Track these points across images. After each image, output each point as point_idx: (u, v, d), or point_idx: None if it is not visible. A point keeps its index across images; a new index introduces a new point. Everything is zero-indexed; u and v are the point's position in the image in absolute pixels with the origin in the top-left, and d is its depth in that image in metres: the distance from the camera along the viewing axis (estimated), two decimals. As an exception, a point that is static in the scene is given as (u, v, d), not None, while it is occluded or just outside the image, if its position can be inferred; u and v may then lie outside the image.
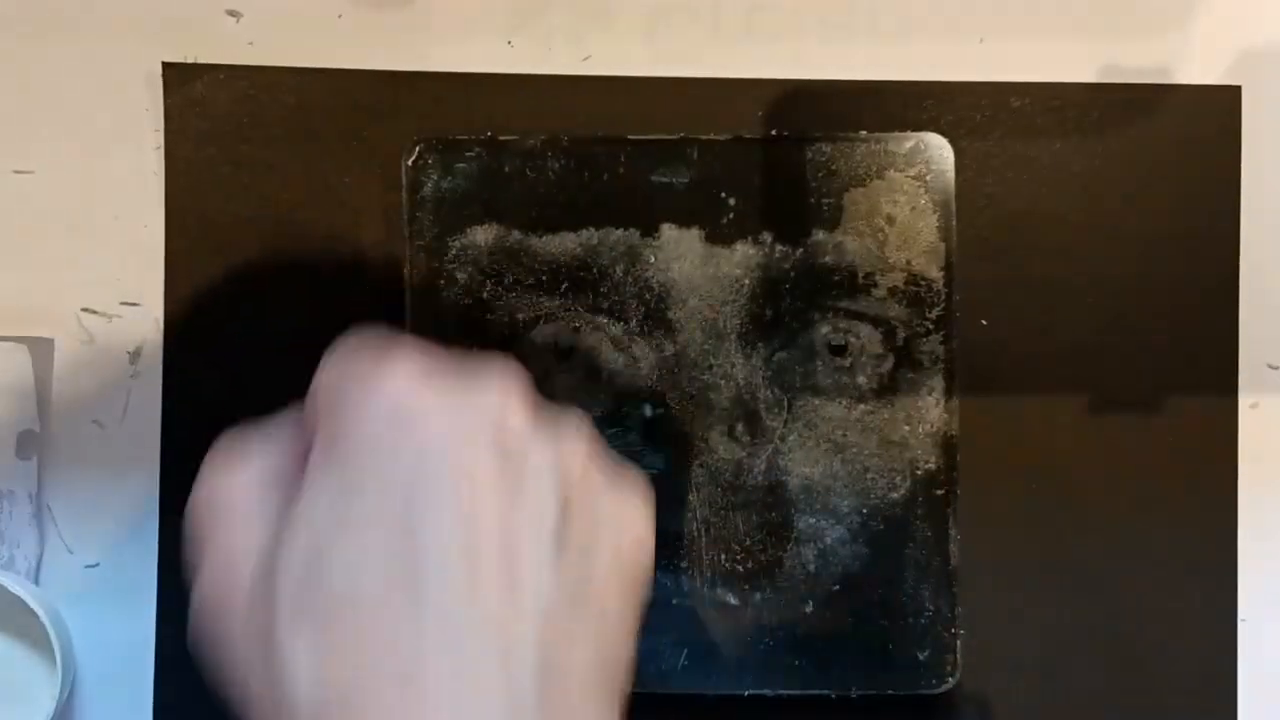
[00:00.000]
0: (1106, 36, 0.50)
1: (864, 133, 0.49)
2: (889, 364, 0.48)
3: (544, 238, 0.49)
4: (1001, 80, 0.50)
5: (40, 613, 0.47)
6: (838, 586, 0.48)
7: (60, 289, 0.50)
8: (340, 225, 0.50)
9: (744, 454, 0.48)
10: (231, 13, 0.50)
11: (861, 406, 0.49)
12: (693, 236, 0.48)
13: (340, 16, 0.50)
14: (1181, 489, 0.50)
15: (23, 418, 0.50)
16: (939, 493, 0.48)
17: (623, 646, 0.34)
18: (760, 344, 0.48)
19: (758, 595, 0.48)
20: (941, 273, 0.49)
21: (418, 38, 0.50)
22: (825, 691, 0.48)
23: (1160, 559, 0.50)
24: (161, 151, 0.50)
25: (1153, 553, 0.50)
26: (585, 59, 0.50)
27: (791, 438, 0.48)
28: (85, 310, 0.50)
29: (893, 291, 0.48)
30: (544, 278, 0.49)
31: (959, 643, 0.48)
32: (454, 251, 0.49)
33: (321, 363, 0.36)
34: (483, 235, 0.49)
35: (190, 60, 0.50)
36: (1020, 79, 0.50)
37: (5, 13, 0.50)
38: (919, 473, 0.48)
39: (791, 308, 0.48)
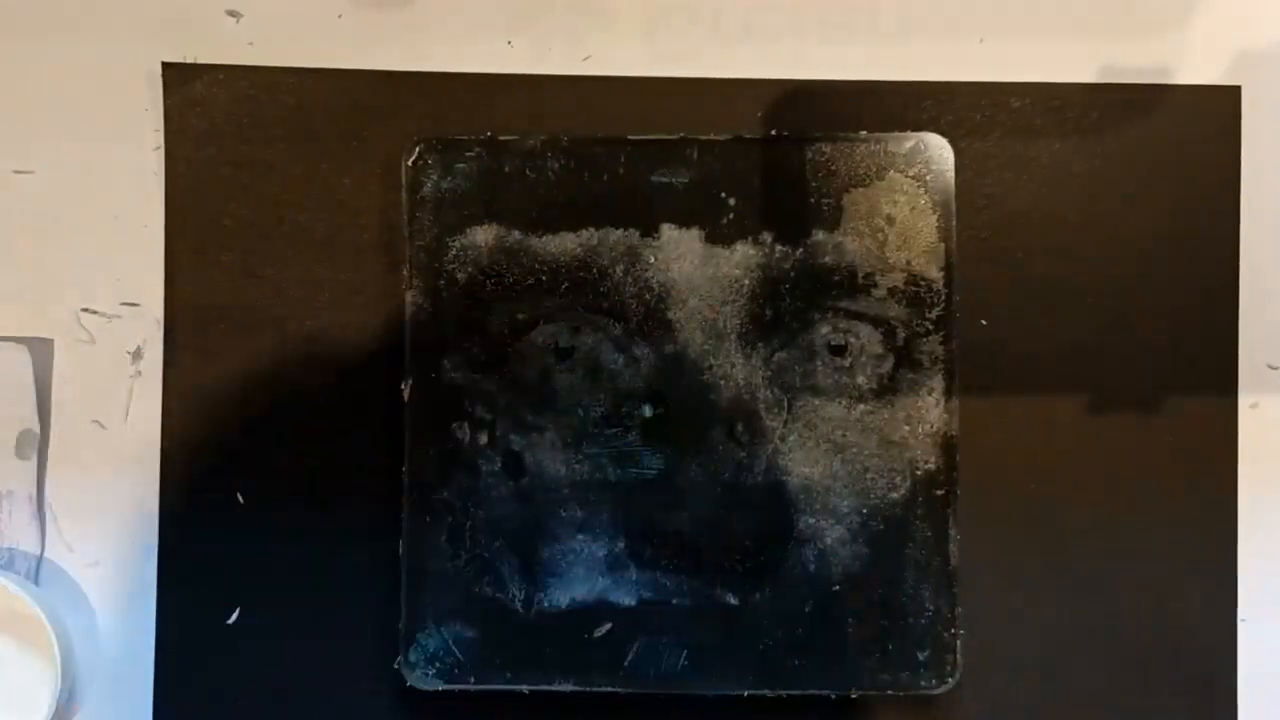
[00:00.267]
0: (1106, 36, 0.50)
1: (864, 133, 0.49)
2: (889, 364, 0.48)
3: (544, 238, 0.49)
4: (1001, 80, 0.50)
5: (40, 613, 0.47)
6: (837, 586, 0.48)
7: (60, 289, 0.50)
8: (340, 225, 0.50)
9: (744, 454, 0.48)
10: (231, 13, 0.50)
11: (861, 406, 0.49)
12: (693, 237, 0.48)
13: (340, 16, 0.50)
14: (1181, 489, 0.50)
15: (23, 418, 0.50)
16: (939, 493, 0.48)
17: None
18: (760, 344, 0.48)
19: (758, 595, 0.48)
20: (941, 273, 0.49)
21: (418, 38, 0.50)
22: (825, 691, 0.48)
23: (1160, 559, 0.50)
24: (161, 151, 0.50)
25: (1153, 553, 0.50)
26: (585, 59, 0.50)
27: (791, 438, 0.48)
28: (85, 310, 0.50)
29: (892, 292, 0.48)
30: (544, 278, 0.49)
31: (959, 643, 0.48)
32: (454, 251, 0.49)
33: None
34: (483, 235, 0.49)
35: (190, 60, 0.50)
36: (1020, 79, 0.50)
37: (5, 13, 0.50)
38: (919, 473, 0.48)
39: (791, 308, 0.48)
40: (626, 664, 0.48)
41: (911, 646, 0.48)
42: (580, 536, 0.49)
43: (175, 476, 0.50)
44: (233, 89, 0.50)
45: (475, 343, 0.49)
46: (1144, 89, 0.50)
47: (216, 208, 0.50)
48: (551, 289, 0.49)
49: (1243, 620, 0.50)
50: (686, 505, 0.48)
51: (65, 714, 0.50)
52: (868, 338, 0.48)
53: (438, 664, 0.48)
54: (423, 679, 0.48)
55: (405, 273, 0.49)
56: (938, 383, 0.48)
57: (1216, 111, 0.50)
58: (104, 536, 0.50)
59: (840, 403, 0.49)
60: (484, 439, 0.49)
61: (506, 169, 0.49)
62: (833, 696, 0.48)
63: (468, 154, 0.49)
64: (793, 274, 0.48)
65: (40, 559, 0.50)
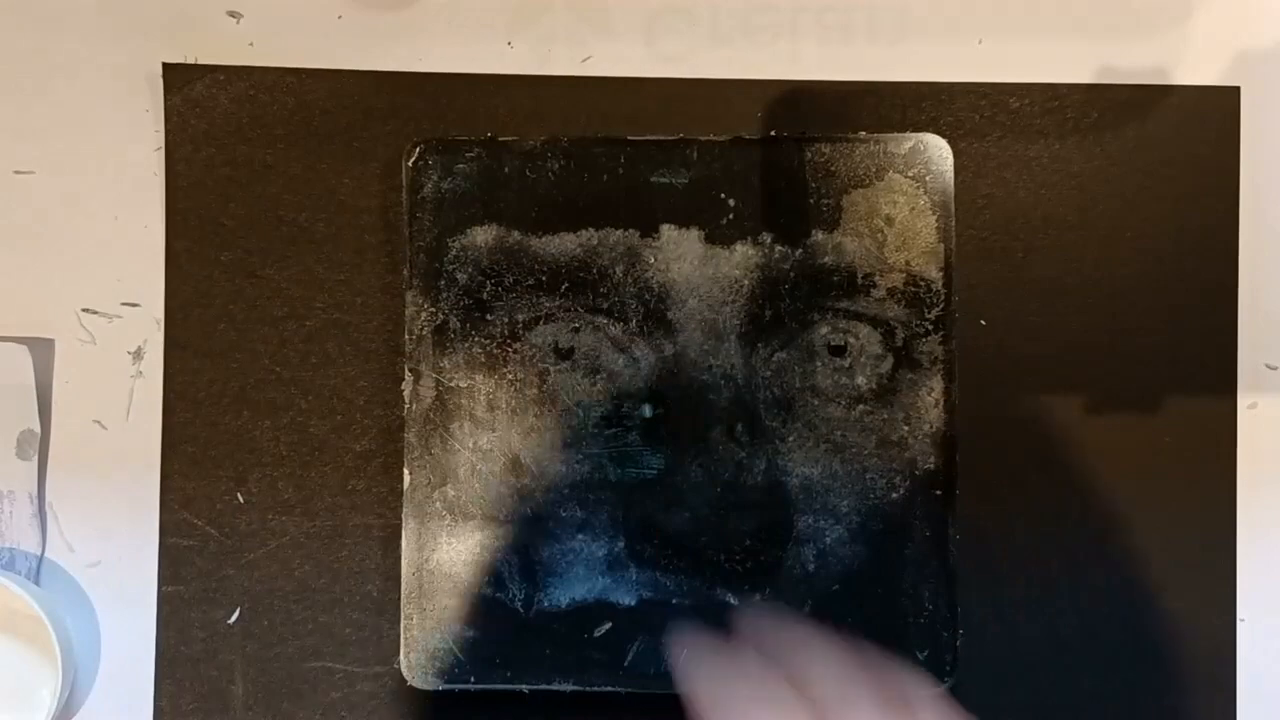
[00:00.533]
0: (1105, 37, 0.50)
1: (863, 133, 0.49)
2: (888, 364, 0.48)
3: (544, 238, 0.49)
4: (1000, 81, 0.50)
5: (41, 613, 0.47)
6: (837, 586, 0.48)
7: (60, 289, 0.50)
8: (340, 226, 0.50)
9: (744, 454, 0.48)
10: (232, 13, 0.50)
11: (861, 407, 0.49)
12: (692, 237, 0.48)
13: (340, 17, 0.50)
14: (1181, 489, 0.50)
15: (23, 418, 0.50)
16: (938, 493, 0.48)
17: None
18: (760, 344, 0.48)
19: (758, 595, 0.48)
20: (940, 273, 0.49)
21: (418, 38, 0.50)
22: (824, 691, 0.48)
23: (1160, 559, 0.50)
24: (161, 152, 0.50)
25: (1153, 553, 0.50)
26: (585, 60, 0.50)
27: (791, 438, 0.48)
28: (85, 310, 0.50)
29: (892, 292, 0.48)
30: (544, 278, 0.49)
31: (958, 642, 0.48)
32: (454, 252, 0.49)
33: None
34: (482, 236, 0.49)
35: (191, 61, 0.50)
36: (1019, 79, 0.50)
37: (5, 13, 0.50)
38: (918, 473, 0.48)
39: (791, 308, 0.48)
40: (626, 664, 0.48)
41: (911, 646, 0.48)
42: (580, 536, 0.49)
43: (175, 476, 0.50)
44: (233, 89, 0.50)
45: (475, 343, 0.49)
46: (1144, 89, 0.50)
47: (217, 208, 0.50)
48: (551, 289, 0.49)
49: (1242, 620, 0.50)
50: (686, 505, 0.48)
51: (65, 714, 0.50)
52: (867, 338, 0.48)
53: (438, 664, 0.48)
54: (423, 679, 0.48)
55: (405, 273, 0.49)
56: (937, 383, 0.49)
57: (1216, 111, 0.50)
58: (104, 536, 0.50)
59: (840, 403, 0.49)
60: (484, 439, 0.49)
61: (506, 169, 0.49)
62: (832, 696, 0.48)
63: (468, 154, 0.49)
64: (792, 274, 0.48)
65: (41, 559, 0.50)
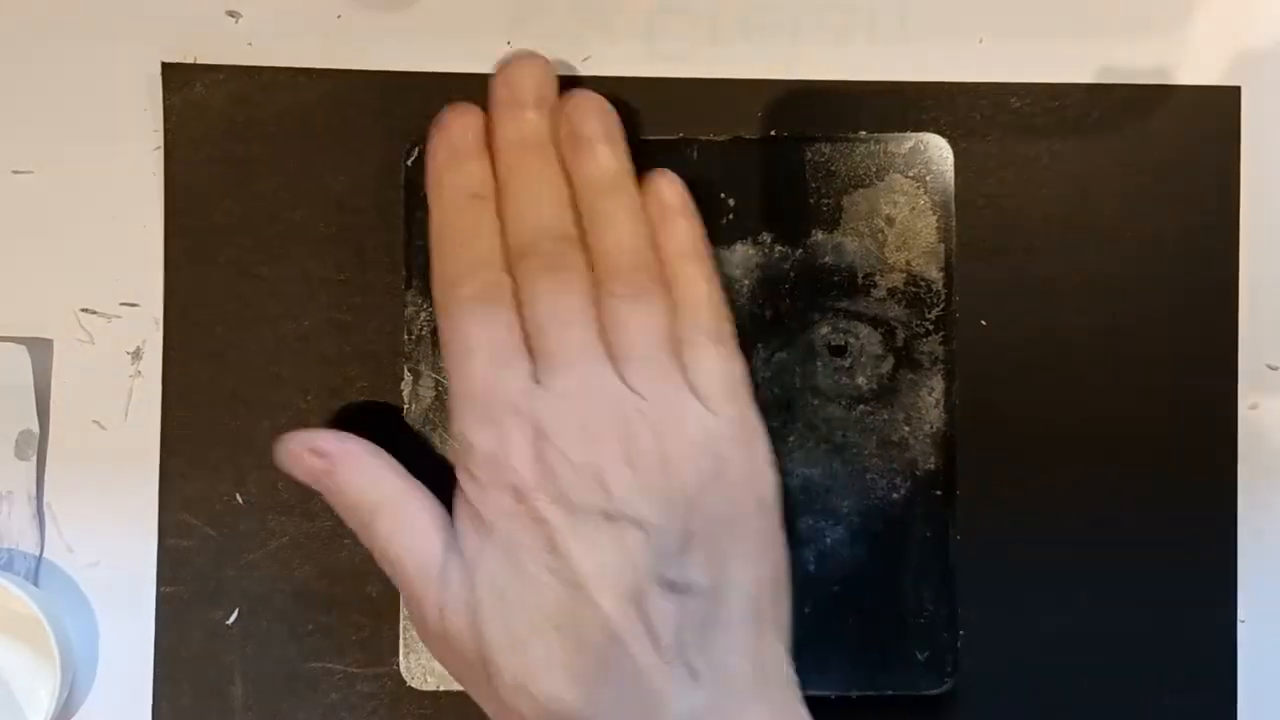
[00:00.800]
0: (1106, 37, 0.50)
1: (863, 133, 0.49)
2: (889, 365, 0.48)
3: (543, 238, 0.49)
4: (1001, 80, 0.50)
5: (39, 613, 0.47)
6: (837, 587, 0.48)
7: (60, 289, 0.50)
8: (339, 225, 0.50)
9: (743, 454, 0.48)
10: (231, 13, 0.50)
11: (861, 407, 0.48)
12: (692, 237, 0.48)
13: (340, 17, 0.50)
14: (1181, 489, 0.50)
15: (22, 418, 0.50)
16: (938, 493, 0.48)
17: None
18: (760, 345, 0.48)
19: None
20: (941, 273, 0.49)
21: (418, 38, 0.50)
22: (824, 692, 0.48)
23: (1160, 559, 0.50)
24: (160, 151, 0.50)
25: (1153, 553, 0.50)
26: (585, 59, 0.50)
27: (791, 438, 0.48)
28: (85, 310, 0.50)
29: (892, 292, 0.48)
30: (543, 278, 0.49)
31: (958, 643, 0.48)
32: (453, 252, 0.49)
33: None
34: (482, 236, 0.49)
35: (190, 60, 0.50)
36: (1020, 79, 0.50)
37: (4, 13, 0.50)
38: (919, 473, 0.48)
39: (791, 308, 0.48)
40: (626, 664, 0.48)
41: (911, 647, 0.48)
42: (580, 537, 0.48)
43: (175, 476, 0.50)
44: (232, 89, 0.50)
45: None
46: (1144, 89, 0.50)
47: (215, 208, 0.50)
48: (551, 289, 0.49)
49: (1242, 621, 0.50)
50: (686, 506, 0.48)
51: (64, 714, 0.50)
52: (867, 338, 0.48)
53: (438, 665, 0.48)
54: (423, 680, 0.48)
55: (404, 272, 0.49)
56: (937, 383, 0.48)
57: (1216, 111, 0.50)
58: (104, 537, 0.50)
59: (840, 403, 0.48)
60: (484, 439, 0.49)
61: (506, 169, 0.49)
62: (832, 697, 0.48)
63: (467, 154, 0.49)
64: (792, 274, 0.48)
65: (39, 559, 0.50)
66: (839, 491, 0.48)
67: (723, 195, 0.49)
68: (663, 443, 0.43)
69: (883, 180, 0.49)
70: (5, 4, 0.50)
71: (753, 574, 0.43)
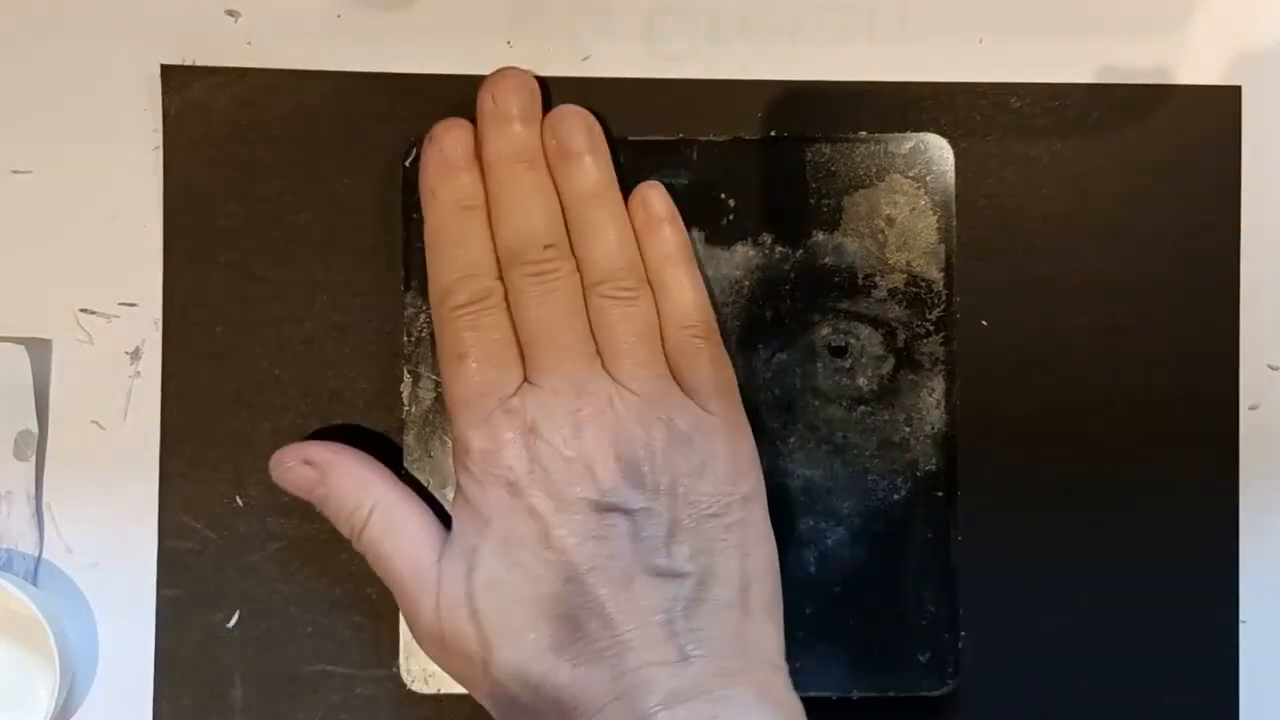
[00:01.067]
0: (1106, 37, 0.50)
1: (863, 133, 0.49)
2: (889, 365, 0.48)
3: (543, 239, 0.49)
4: (1001, 80, 0.50)
5: (38, 614, 0.47)
6: (838, 589, 0.48)
7: (59, 289, 0.50)
8: (339, 227, 0.50)
9: (744, 455, 0.48)
10: (230, 13, 0.50)
11: (862, 408, 0.48)
12: (692, 238, 0.48)
13: (339, 17, 0.50)
14: (1181, 489, 0.50)
15: (21, 418, 0.50)
16: (939, 494, 0.48)
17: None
18: (760, 345, 0.48)
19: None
20: (941, 274, 0.48)
21: (417, 38, 0.50)
22: (826, 693, 0.48)
23: (1160, 560, 0.50)
24: (160, 152, 0.50)
25: (1153, 553, 0.50)
26: (584, 59, 0.50)
27: (792, 439, 0.48)
28: (84, 310, 0.50)
29: (893, 293, 0.48)
30: (543, 279, 0.49)
31: (959, 644, 0.48)
32: (453, 253, 0.49)
33: None
34: (482, 237, 0.49)
35: (189, 60, 0.50)
36: (1020, 79, 0.50)
37: (4, 13, 0.50)
38: (919, 474, 0.48)
39: (791, 309, 0.48)
40: (626, 665, 0.48)
41: (912, 648, 0.48)
42: (580, 538, 0.48)
43: (175, 477, 0.50)
44: (231, 90, 0.50)
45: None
46: (1144, 89, 0.50)
47: (215, 208, 0.50)
48: (551, 290, 0.48)
49: (1243, 621, 0.50)
50: (686, 506, 0.48)
51: (63, 715, 0.50)
52: (868, 339, 0.48)
53: (437, 667, 0.48)
54: (422, 682, 0.48)
55: (403, 274, 0.49)
56: (938, 384, 0.48)
57: (1216, 111, 0.50)
58: (103, 537, 0.50)
59: (841, 404, 0.48)
60: (484, 440, 0.49)
61: (506, 170, 0.49)
62: (833, 698, 0.48)
63: (467, 155, 0.49)
64: (793, 275, 0.48)
65: (39, 560, 0.50)
66: (840, 492, 0.48)
67: (723, 195, 0.48)
68: (650, 436, 0.44)
69: (883, 180, 0.49)
70: (5, 4, 0.50)
71: (738, 564, 0.44)
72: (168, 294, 0.50)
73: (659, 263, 0.47)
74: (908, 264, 0.48)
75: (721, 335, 0.48)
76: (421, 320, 0.49)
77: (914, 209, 0.49)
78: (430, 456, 0.48)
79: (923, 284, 0.48)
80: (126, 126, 0.50)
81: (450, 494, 0.48)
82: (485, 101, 0.46)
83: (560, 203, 0.46)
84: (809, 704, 0.43)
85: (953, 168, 0.49)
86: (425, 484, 0.48)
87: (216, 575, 0.50)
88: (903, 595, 0.48)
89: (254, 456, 0.49)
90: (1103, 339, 0.50)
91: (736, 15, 0.50)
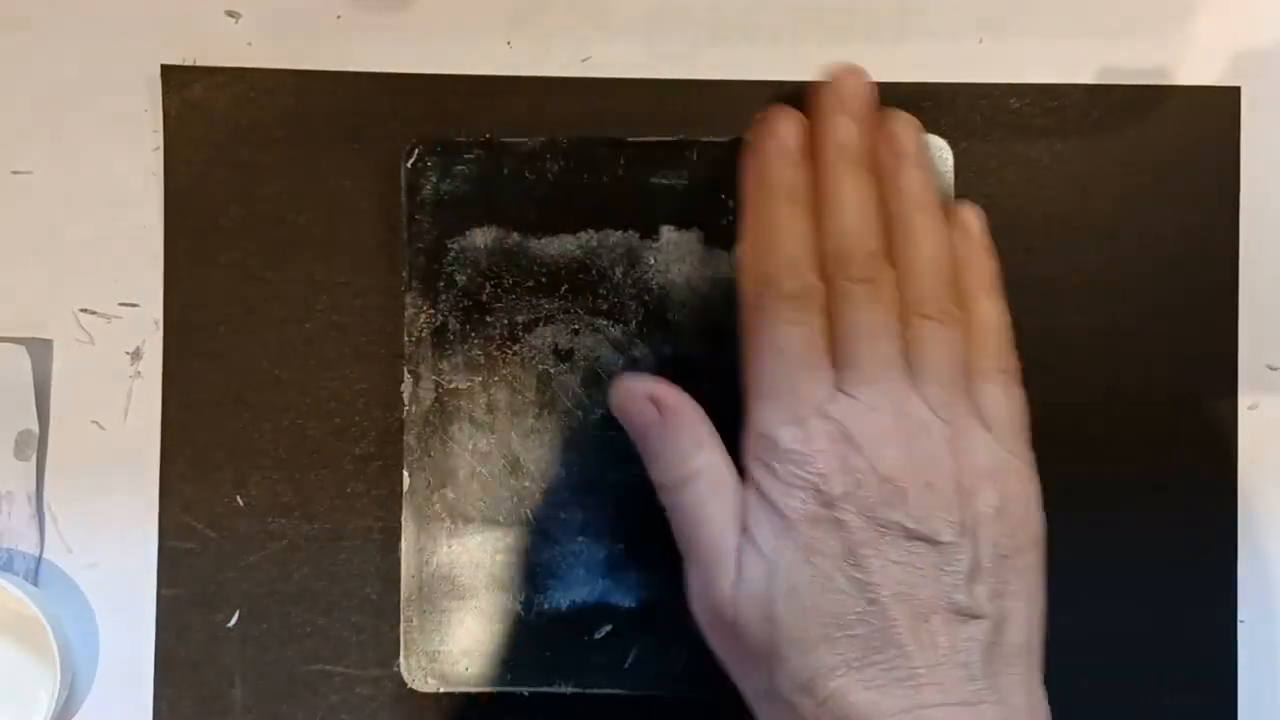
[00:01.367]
0: (1105, 37, 0.50)
1: (864, 134, 0.49)
2: (889, 366, 0.48)
3: (543, 240, 0.49)
4: (1001, 81, 0.50)
5: (39, 613, 0.47)
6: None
7: (60, 289, 0.50)
8: (339, 227, 0.50)
9: (744, 455, 0.48)
10: (230, 13, 0.50)
11: (861, 408, 0.48)
12: (692, 238, 0.48)
13: (339, 17, 0.50)
14: (1181, 489, 0.50)
15: (22, 418, 0.50)
16: (939, 494, 0.48)
17: None
18: (760, 346, 0.48)
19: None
20: (941, 274, 0.48)
21: (417, 39, 0.50)
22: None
23: (1160, 559, 0.50)
24: (160, 152, 0.50)
25: (1153, 553, 0.50)
26: (585, 60, 0.50)
27: (791, 439, 0.48)
28: (84, 310, 0.50)
29: (893, 293, 0.48)
30: (543, 280, 0.49)
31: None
32: (453, 253, 0.49)
33: None
34: (482, 237, 0.49)
35: (189, 60, 0.50)
36: (1020, 80, 0.50)
37: (4, 12, 0.50)
38: (919, 474, 0.48)
39: (791, 309, 0.48)
40: (626, 666, 0.48)
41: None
42: (580, 538, 0.49)
43: (175, 477, 0.50)
44: (232, 91, 0.50)
45: (475, 345, 0.49)
46: (1144, 89, 0.50)
47: (215, 209, 0.50)
48: (551, 291, 0.49)
49: (1242, 621, 0.50)
50: (686, 507, 0.48)
51: (63, 715, 0.50)
52: (868, 339, 0.48)
53: (437, 666, 0.48)
54: (423, 681, 0.48)
55: (404, 275, 0.49)
56: (938, 384, 0.48)
57: (1216, 112, 0.50)
58: (103, 537, 0.50)
59: (840, 404, 0.48)
60: (484, 441, 0.49)
61: (506, 171, 0.49)
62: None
63: (466, 156, 0.49)
64: (792, 275, 0.48)
65: (39, 560, 0.50)
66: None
67: (723, 196, 0.49)
68: (959, 469, 0.43)
69: (883, 181, 0.49)
70: (5, 4, 0.50)
71: (1025, 610, 0.43)
72: (168, 294, 0.50)
73: (972, 289, 0.45)
74: (907, 264, 0.48)
75: (721, 336, 0.48)
76: (422, 321, 0.49)
77: (914, 209, 0.48)
78: (430, 456, 0.49)
79: (922, 284, 0.48)
80: (126, 127, 0.50)
81: (449, 493, 0.48)
82: (827, 97, 0.45)
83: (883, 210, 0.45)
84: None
85: (952, 168, 0.49)
86: (425, 484, 0.48)
87: (216, 575, 0.50)
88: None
89: (254, 456, 0.50)
90: (1103, 339, 0.50)
91: (736, 15, 0.50)
